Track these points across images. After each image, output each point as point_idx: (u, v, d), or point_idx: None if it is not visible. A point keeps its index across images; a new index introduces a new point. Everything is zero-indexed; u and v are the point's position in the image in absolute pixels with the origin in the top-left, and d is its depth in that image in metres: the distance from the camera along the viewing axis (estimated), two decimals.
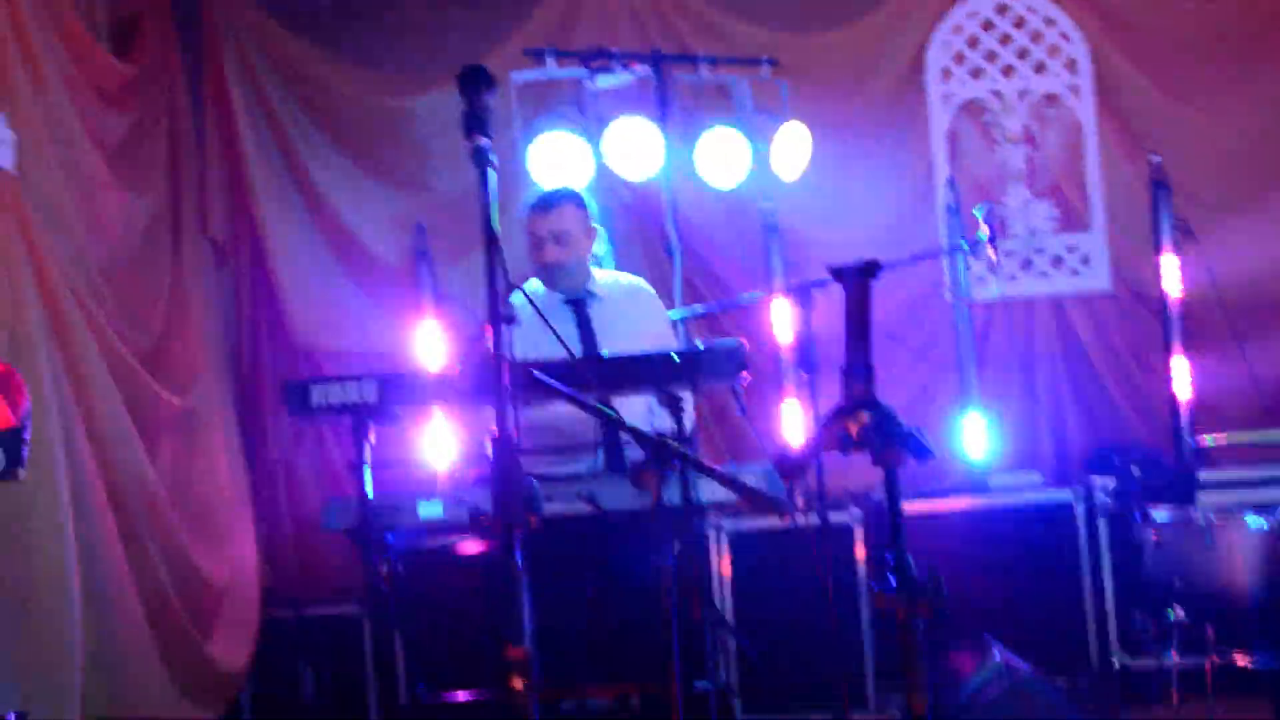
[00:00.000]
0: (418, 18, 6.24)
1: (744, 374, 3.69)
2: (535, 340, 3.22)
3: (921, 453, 2.29)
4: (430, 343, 5.44)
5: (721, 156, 5.43)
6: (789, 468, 2.33)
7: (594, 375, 3.30)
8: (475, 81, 2.64)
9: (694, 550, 3.48)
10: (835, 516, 5.23)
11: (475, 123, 2.59)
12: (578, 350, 3.84)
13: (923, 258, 5.61)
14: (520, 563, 2.09)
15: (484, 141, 2.59)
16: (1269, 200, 5.99)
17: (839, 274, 2.40)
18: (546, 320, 3.04)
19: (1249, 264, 5.93)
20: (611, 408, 3.07)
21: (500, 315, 2.32)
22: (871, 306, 2.34)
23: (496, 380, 2.22)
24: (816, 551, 4.32)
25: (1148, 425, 5.95)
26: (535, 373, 2.93)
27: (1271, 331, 5.93)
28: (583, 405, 2.91)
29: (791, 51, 5.90)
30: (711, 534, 5.21)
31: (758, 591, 5.24)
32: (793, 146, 5.51)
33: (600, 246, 4.58)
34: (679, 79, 5.53)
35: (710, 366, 3.66)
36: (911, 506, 5.31)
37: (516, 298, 3.18)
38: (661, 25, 5.99)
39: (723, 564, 5.24)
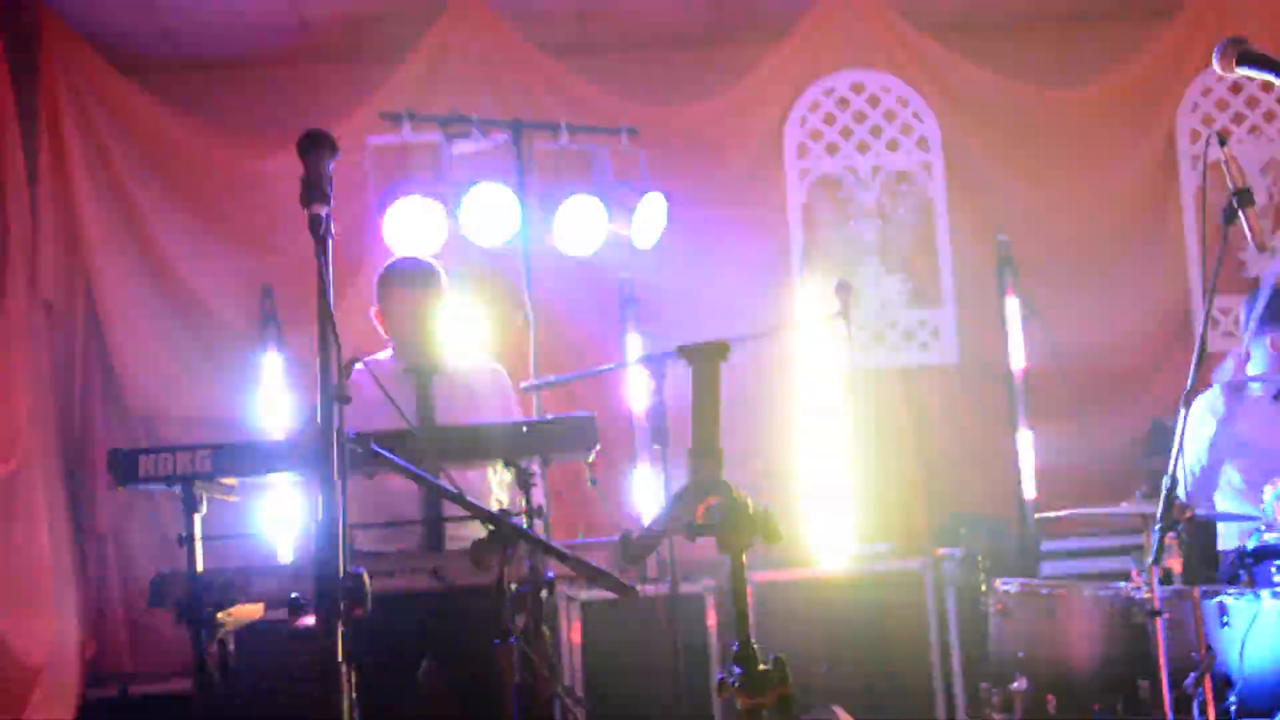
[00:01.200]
0: (274, 76, 6.13)
1: (595, 446, 3.64)
2: (369, 413, 3.13)
3: (770, 535, 2.25)
4: (273, 410, 5.28)
5: (580, 225, 5.42)
6: (632, 551, 2.27)
7: (433, 447, 3.21)
8: (315, 146, 2.54)
9: (542, 622, 3.41)
10: (688, 586, 5.24)
11: (314, 190, 2.46)
12: (416, 421, 3.76)
13: (778, 330, 5.67)
14: (343, 654, 1.98)
15: (323, 210, 2.47)
16: (1109, 279, 6.21)
17: (687, 354, 2.36)
18: (385, 391, 2.94)
19: (1090, 340, 6.15)
20: (450, 481, 2.98)
21: (332, 391, 2.23)
22: (719, 386, 2.31)
23: (323, 459, 2.12)
24: (667, 621, 4.27)
25: (995, 496, 6.07)
26: (372, 446, 2.82)
27: (1111, 404, 6.13)
28: (417, 478, 2.81)
29: (652, 122, 5.94)
30: (563, 603, 5.13)
31: (609, 660, 5.19)
32: (651, 216, 5.54)
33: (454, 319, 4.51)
34: (539, 146, 5.52)
35: (561, 438, 3.61)
36: (764, 576, 5.36)
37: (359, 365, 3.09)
38: (522, 92, 5.98)
39: (573, 633, 5.16)
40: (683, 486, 2.23)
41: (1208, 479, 4.70)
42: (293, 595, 2.64)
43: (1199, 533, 5.00)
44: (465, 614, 3.48)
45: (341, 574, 2.01)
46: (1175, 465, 3.72)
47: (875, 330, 6.18)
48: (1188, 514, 3.83)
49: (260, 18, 5.91)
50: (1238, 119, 6.33)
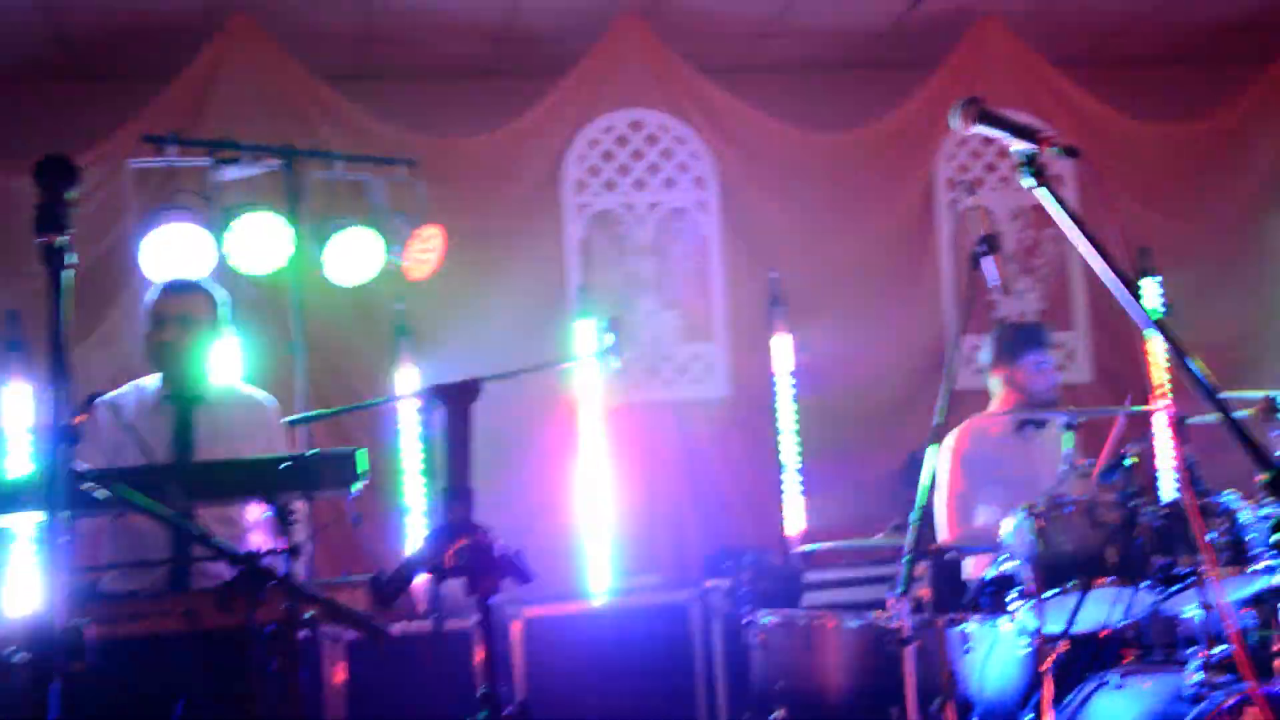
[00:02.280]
0: (28, 91, 5.84)
1: (361, 482, 3.58)
2: (117, 444, 3.00)
3: (521, 577, 2.26)
4: (14, 444, 5.00)
5: (354, 255, 5.34)
6: (382, 592, 2.24)
7: (183, 483, 3.10)
8: (53, 173, 2.43)
9: (299, 663, 3.32)
10: (456, 623, 5.21)
11: (49, 219, 2.35)
12: (170, 455, 3.63)
13: (553, 364, 5.70)
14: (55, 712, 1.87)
15: (58, 240, 2.35)
16: (873, 317, 6.46)
17: (439, 393, 2.35)
18: (124, 426, 2.83)
19: (855, 375, 6.39)
20: (195, 519, 2.88)
21: (60, 430, 2.12)
22: (471, 426, 2.30)
23: (45, 499, 2.01)
24: (432, 659, 4.23)
25: (762, 528, 6.23)
26: (107, 483, 2.71)
27: (873, 438, 6.38)
28: (156, 517, 2.70)
29: (431, 153, 5.91)
30: (326, 643, 5.00)
31: (374, 701, 5.07)
32: (428, 248, 5.50)
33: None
34: (313, 174, 5.42)
35: (326, 474, 3.52)
36: (534, 610, 5.36)
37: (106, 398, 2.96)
38: (296, 119, 5.84)
39: (336, 673, 5.04)
40: (434, 528, 2.22)
41: (963, 510, 4.93)
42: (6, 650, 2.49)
43: (946, 563, 5.25)
44: (218, 657, 3.36)
45: (62, 625, 1.91)
46: (924, 498, 3.92)
47: (650, 364, 6.28)
48: (933, 545, 4.04)
49: (10, 30, 5.63)
50: (990, 168, 6.71)
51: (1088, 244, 2.12)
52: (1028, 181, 2.21)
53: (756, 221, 6.51)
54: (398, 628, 5.08)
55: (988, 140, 6.65)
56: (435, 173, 5.85)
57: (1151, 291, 6.38)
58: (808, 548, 4.92)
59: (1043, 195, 2.18)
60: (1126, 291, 2.07)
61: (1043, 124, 6.45)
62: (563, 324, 6.11)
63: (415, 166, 5.61)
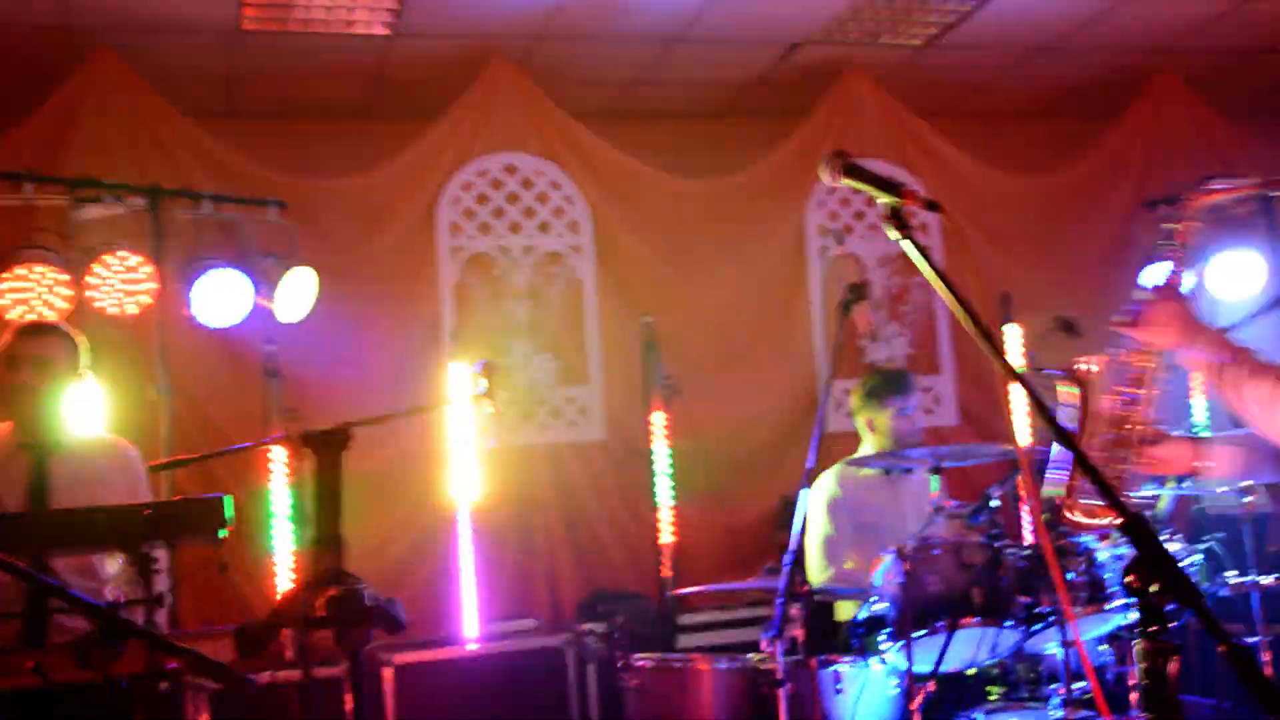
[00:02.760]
0: None
1: (226, 529, 3.49)
2: None
3: (392, 626, 2.22)
4: None
5: (222, 297, 5.24)
6: (250, 642, 2.18)
7: (38, 533, 2.99)
8: None
9: (161, 716, 3.21)
10: (326, 670, 5.09)
11: None
12: (24, 504, 3.50)
13: (426, 408, 5.65)
14: None
15: None
16: (747, 360, 6.54)
17: (308, 441, 2.31)
18: None
19: (728, 418, 6.45)
20: (51, 570, 2.78)
21: None
22: (341, 474, 2.26)
23: None
24: (299, 709, 4.12)
25: (638, 572, 6.23)
26: None
27: (747, 481, 6.44)
28: (8, 569, 2.60)
29: (303, 195, 5.84)
30: (190, 694, 4.84)
31: None
32: (299, 290, 5.42)
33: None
34: (180, 214, 5.31)
35: (189, 521, 3.43)
36: (406, 657, 5.28)
37: None
38: (162, 157, 5.71)
39: None
40: (303, 578, 2.17)
41: (832, 553, 5.01)
42: None
43: (819, 605, 5.32)
44: (75, 712, 3.24)
45: None
46: (797, 541, 3.97)
47: (524, 408, 6.26)
48: (805, 588, 4.09)
49: None
50: (858, 216, 6.87)
51: (948, 293, 2.18)
52: (893, 234, 2.27)
53: (631, 266, 6.55)
54: (264, 676, 4.94)
55: (857, 188, 6.83)
56: (308, 214, 5.78)
57: (1013, 338, 6.58)
58: (682, 591, 4.94)
59: (907, 247, 2.23)
60: (985, 340, 2.13)
61: (908, 176, 6.69)
62: (438, 367, 6.06)
63: (286, 208, 5.53)
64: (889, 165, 6.83)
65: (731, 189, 6.62)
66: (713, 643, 5.74)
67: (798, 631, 5.74)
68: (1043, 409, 2.08)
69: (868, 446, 5.17)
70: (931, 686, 4.01)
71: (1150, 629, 1.92)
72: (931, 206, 2.30)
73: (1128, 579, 1.92)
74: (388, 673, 5.27)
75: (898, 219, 2.30)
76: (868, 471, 5.08)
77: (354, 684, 2.10)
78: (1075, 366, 3.02)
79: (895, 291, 6.84)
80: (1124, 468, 2.91)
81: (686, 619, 5.90)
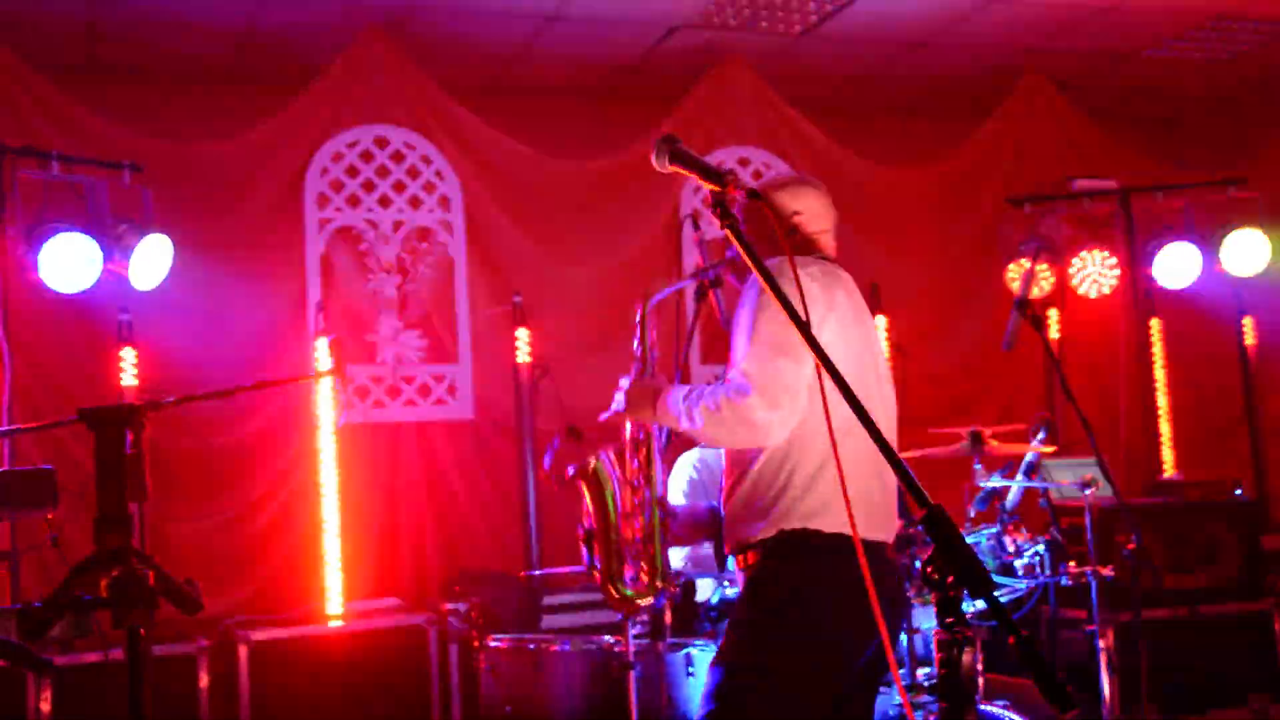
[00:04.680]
0: None
1: (54, 502, 3.39)
2: None
3: (187, 607, 2.16)
4: None
5: (70, 260, 5.06)
6: (30, 625, 2.09)
7: None
8: None
9: None
10: (180, 647, 5.00)
11: None
12: None
13: (282, 381, 5.55)
14: None
15: None
16: (614, 341, 6.49)
17: (86, 417, 2.22)
18: None
19: (596, 399, 6.38)
20: None
21: None
22: (124, 452, 2.18)
23: None
24: (132, 688, 4.02)
25: (505, 552, 6.20)
26: None
27: None
28: None
29: (162, 158, 5.67)
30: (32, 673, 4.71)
31: None
32: (154, 256, 5.26)
33: None
34: (25, 174, 5.12)
35: (15, 494, 3.33)
36: (261, 634, 5.20)
37: None
38: (11, 116, 5.50)
39: (42, 702, 4.75)
40: (87, 557, 2.10)
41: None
42: None
43: (687, 587, 5.35)
44: None
45: None
46: None
47: (391, 384, 6.17)
48: None
49: None
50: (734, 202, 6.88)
51: (771, 284, 2.18)
52: (716, 221, 2.27)
53: (503, 244, 6.49)
54: (94, 655, 4.82)
55: (742, 160, 6.86)
56: (167, 179, 5.61)
57: (881, 328, 6.68)
58: (542, 571, 4.93)
59: (730, 234, 2.23)
60: (804, 331, 2.14)
61: (782, 164, 6.72)
62: (302, 341, 5.95)
63: (142, 171, 5.36)
64: (763, 153, 6.88)
65: (604, 172, 6.60)
66: (578, 623, 5.72)
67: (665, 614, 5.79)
68: (852, 398, 2.08)
69: None
70: None
71: (946, 620, 1.95)
72: (753, 195, 2.31)
73: (926, 570, 1.94)
74: (243, 650, 5.18)
75: (722, 207, 2.30)
76: None
77: (132, 668, 2.03)
78: (581, 466, 3.22)
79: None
80: (652, 547, 3.09)
81: (552, 599, 5.87)
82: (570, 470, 3.19)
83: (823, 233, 3.29)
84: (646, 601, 3.16)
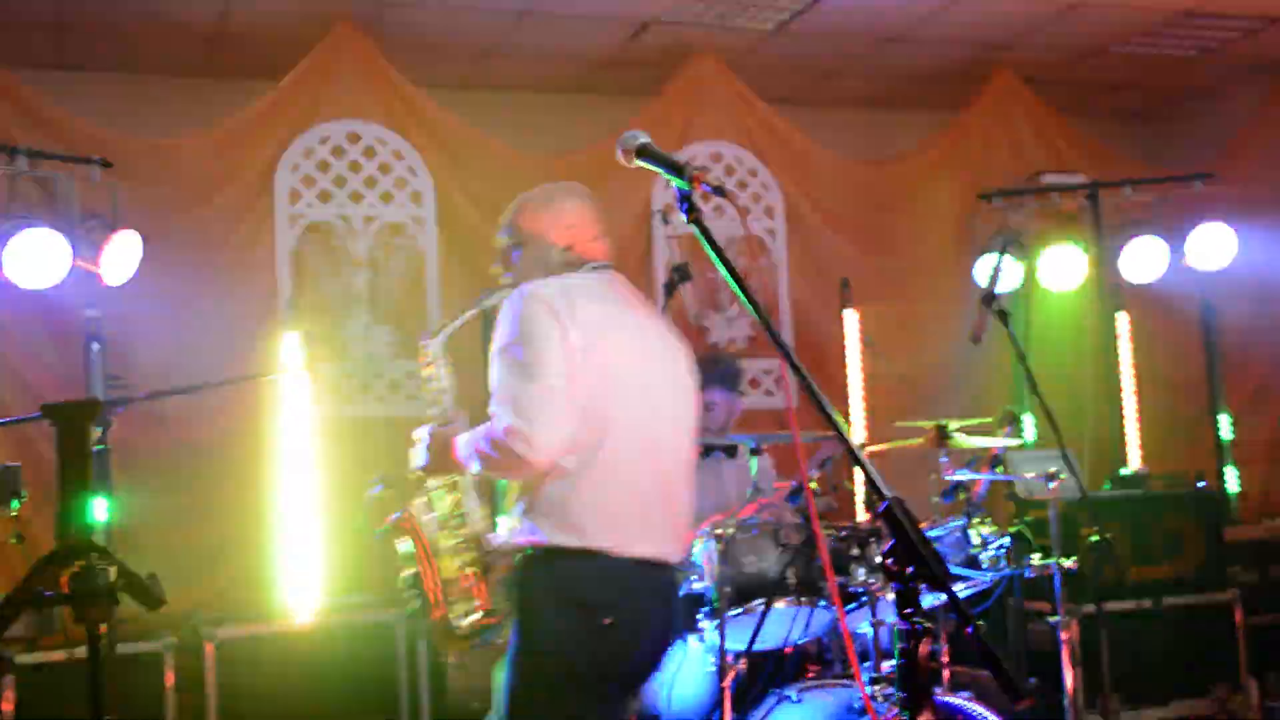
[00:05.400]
0: None
1: (18, 497, 3.39)
2: None
3: (149, 602, 2.16)
4: None
5: (37, 256, 5.04)
6: None
7: None
8: None
9: None
10: (145, 645, 4.99)
11: None
12: None
13: (257, 377, 5.53)
14: None
15: None
16: None
17: (50, 412, 2.22)
18: None
19: None
20: None
21: None
22: (89, 447, 2.18)
23: None
24: (92, 683, 4.02)
25: None
26: None
27: None
28: None
29: (132, 153, 5.66)
30: None
31: None
32: (123, 252, 5.25)
33: None
34: None
35: None
36: (228, 631, 5.20)
37: None
38: None
39: (4, 702, 4.73)
40: (49, 553, 2.10)
41: None
42: None
43: None
44: None
45: None
46: None
47: (362, 380, 6.17)
48: None
49: None
50: (705, 198, 6.86)
51: (731, 277, 2.21)
52: (682, 217, 2.29)
53: (475, 239, 6.47)
54: (58, 655, 4.81)
55: (704, 169, 6.86)
56: (138, 174, 5.60)
57: (851, 323, 6.72)
58: None
59: (694, 229, 2.26)
60: (765, 325, 2.16)
61: (755, 160, 6.76)
62: (273, 336, 5.93)
63: (111, 167, 5.34)
64: (736, 148, 6.90)
65: (576, 166, 6.59)
66: None
67: None
68: (814, 393, 2.11)
69: None
70: (743, 665, 4.08)
71: (904, 611, 1.98)
72: (719, 191, 2.33)
73: (886, 563, 1.97)
74: (209, 647, 5.17)
75: (688, 203, 2.32)
76: None
77: (92, 663, 2.04)
78: (398, 518, 3.24)
79: (740, 273, 6.87)
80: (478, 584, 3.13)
81: None
82: (392, 518, 3.21)
83: (594, 239, 3.27)
84: (477, 640, 3.20)
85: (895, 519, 1.94)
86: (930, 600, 4.36)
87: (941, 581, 1.92)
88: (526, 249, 3.19)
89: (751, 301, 2.17)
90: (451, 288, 6.34)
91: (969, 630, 1.88)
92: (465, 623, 3.09)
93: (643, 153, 2.44)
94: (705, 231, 2.25)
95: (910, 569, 1.93)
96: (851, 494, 6.19)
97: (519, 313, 2.96)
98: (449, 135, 6.42)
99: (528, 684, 3.00)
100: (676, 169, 2.33)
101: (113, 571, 2.03)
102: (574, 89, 7.12)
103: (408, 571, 3.13)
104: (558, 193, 3.31)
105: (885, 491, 1.98)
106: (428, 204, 6.32)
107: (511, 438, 2.89)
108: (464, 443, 3.11)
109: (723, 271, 2.19)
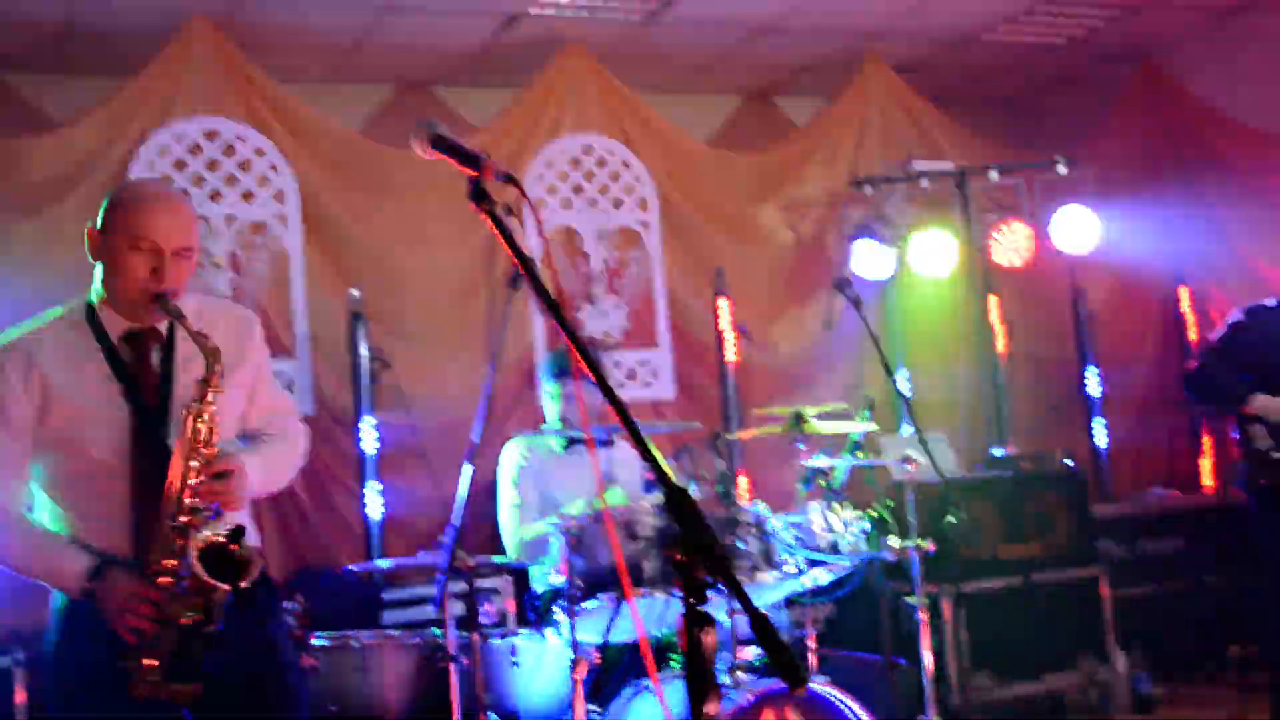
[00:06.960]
0: None
1: None
2: None
3: None
4: None
5: None
6: None
7: None
8: None
9: None
10: None
11: None
12: None
13: None
14: None
15: None
16: (460, 335, 6.43)
17: None
18: None
19: (442, 393, 6.33)
20: None
21: None
22: None
23: None
24: None
25: (348, 547, 6.10)
26: None
27: (459, 455, 6.36)
28: None
29: None
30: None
31: None
32: None
33: None
34: None
35: None
36: None
37: None
38: None
39: None
40: None
41: (525, 521, 5.00)
42: None
43: (521, 576, 5.34)
44: None
45: None
46: (460, 517, 3.97)
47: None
48: (470, 563, 4.08)
49: None
50: (577, 190, 6.83)
51: (525, 267, 2.18)
52: (473, 207, 2.26)
53: (340, 237, 6.38)
54: None
55: (575, 161, 6.83)
56: None
57: (724, 311, 6.74)
58: (381, 564, 4.89)
59: (487, 219, 2.22)
60: (559, 318, 2.14)
61: (628, 151, 6.73)
62: None
63: None
64: (608, 140, 6.87)
65: (441, 160, 6.52)
66: (418, 618, 5.67)
67: (509, 603, 5.78)
68: (608, 389, 2.09)
69: (551, 417, 5.20)
70: (597, 658, 4.06)
71: (689, 600, 1.97)
72: (509, 179, 2.29)
73: (671, 553, 1.96)
74: None
75: (480, 192, 2.29)
76: (551, 443, 5.10)
77: None
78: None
79: (613, 266, 6.87)
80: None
81: (393, 594, 5.81)
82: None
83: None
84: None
85: (680, 508, 1.94)
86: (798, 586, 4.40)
87: (721, 570, 1.92)
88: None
89: (545, 294, 2.14)
90: (316, 286, 6.23)
91: (750, 616, 1.88)
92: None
93: (437, 143, 2.39)
94: (499, 221, 2.21)
95: (694, 558, 1.93)
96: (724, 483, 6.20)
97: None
98: (313, 131, 6.30)
99: None
100: (470, 159, 2.29)
101: None
102: (445, 81, 7.05)
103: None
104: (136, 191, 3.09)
105: (670, 480, 1.97)
106: (291, 202, 6.20)
107: None
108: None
109: (518, 262, 2.16)
